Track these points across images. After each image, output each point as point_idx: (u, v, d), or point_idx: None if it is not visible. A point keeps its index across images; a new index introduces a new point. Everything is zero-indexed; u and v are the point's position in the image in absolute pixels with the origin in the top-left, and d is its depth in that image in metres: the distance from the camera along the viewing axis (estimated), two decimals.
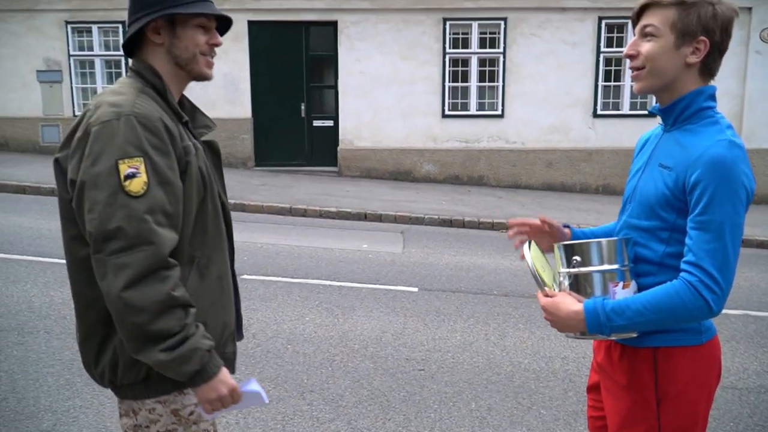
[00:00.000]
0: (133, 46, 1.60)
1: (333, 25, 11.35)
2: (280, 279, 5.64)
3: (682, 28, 1.53)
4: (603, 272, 1.59)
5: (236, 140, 11.58)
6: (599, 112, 11.40)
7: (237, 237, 6.82)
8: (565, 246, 1.66)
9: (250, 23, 11.28)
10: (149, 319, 1.39)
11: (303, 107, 11.65)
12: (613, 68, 11.37)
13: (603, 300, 1.54)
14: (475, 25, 11.25)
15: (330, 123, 11.73)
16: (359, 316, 4.82)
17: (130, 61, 1.63)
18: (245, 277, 5.63)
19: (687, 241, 1.50)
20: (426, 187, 11.09)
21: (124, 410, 1.57)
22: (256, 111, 11.62)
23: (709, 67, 1.57)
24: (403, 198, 9.86)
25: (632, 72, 1.62)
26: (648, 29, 1.56)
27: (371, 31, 11.28)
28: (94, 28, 11.48)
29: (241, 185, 9.96)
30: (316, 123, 11.74)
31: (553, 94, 11.41)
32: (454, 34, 11.34)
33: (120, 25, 11.36)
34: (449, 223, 8.69)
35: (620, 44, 11.29)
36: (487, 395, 3.68)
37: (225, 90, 11.49)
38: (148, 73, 1.56)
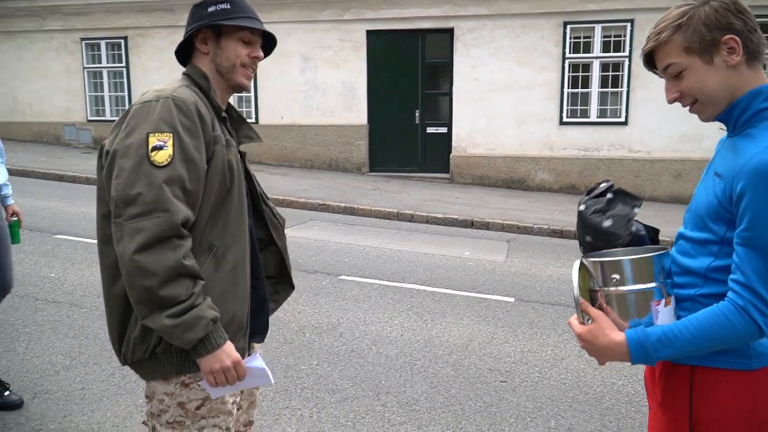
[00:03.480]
0: (186, 54, 1.77)
1: (449, 32, 11.36)
2: (376, 281, 5.72)
3: (699, 44, 1.37)
4: (640, 291, 1.43)
5: (352, 146, 11.91)
6: None
7: (342, 239, 6.95)
8: (599, 263, 1.48)
9: (369, 32, 11.58)
10: (158, 284, 1.44)
11: (417, 114, 11.76)
12: None
13: (645, 329, 1.40)
14: (598, 28, 10.76)
15: (444, 130, 11.73)
16: (448, 323, 4.76)
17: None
18: (343, 277, 5.77)
19: (734, 257, 1.35)
20: (539, 195, 10.75)
21: (146, 395, 1.66)
22: (372, 118, 11.89)
23: (753, 52, 1.39)
24: (513, 206, 9.62)
25: (689, 108, 1.48)
26: (671, 69, 1.42)
27: (487, 37, 11.15)
28: None
29: (353, 189, 10.23)
30: (430, 130, 11.80)
31: None
32: (575, 37, 10.91)
33: None
34: (560, 233, 8.35)
35: None
36: (570, 414, 3.48)
37: (343, 97, 11.87)
38: (197, 76, 1.71)
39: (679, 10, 1.40)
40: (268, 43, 1.82)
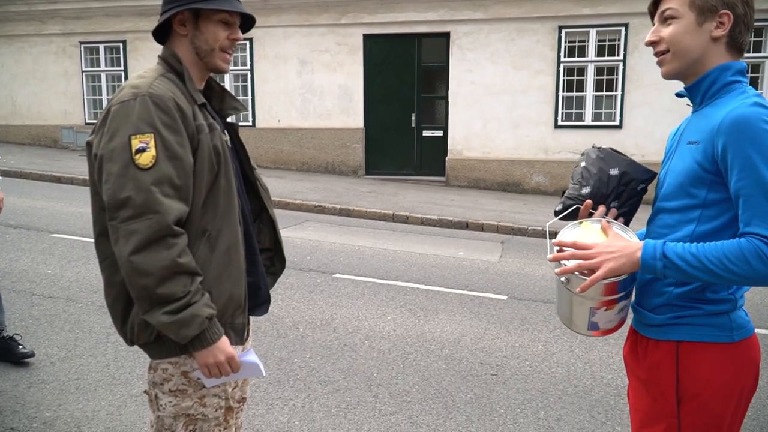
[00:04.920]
0: (164, 34, 1.74)
1: (446, 36, 11.45)
2: (370, 279, 5.77)
3: (702, 4, 1.48)
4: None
5: (348, 149, 11.98)
6: None
7: (337, 240, 7.00)
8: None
9: (365, 36, 11.67)
10: (155, 283, 1.49)
11: (413, 117, 11.84)
12: (749, 75, 10.46)
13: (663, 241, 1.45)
14: (592, 32, 10.86)
15: (440, 133, 11.81)
16: (441, 319, 4.81)
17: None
18: (337, 275, 5.82)
19: (739, 213, 1.40)
20: (534, 198, 10.82)
21: (149, 366, 1.71)
22: (368, 121, 11.96)
23: (737, 42, 1.50)
24: (508, 209, 9.69)
25: (657, 58, 1.57)
26: (667, 13, 1.52)
27: (483, 41, 11.25)
28: None
29: (349, 192, 10.29)
30: (426, 133, 11.87)
31: (679, 104, 10.67)
32: (569, 42, 11.01)
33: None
34: (554, 235, 8.39)
35: (758, 49, 10.40)
36: (560, 406, 3.53)
37: (339, 101, 11.95)
38: (172, 60, 1.69)
39: None
40: (246, 21, 1.79)
